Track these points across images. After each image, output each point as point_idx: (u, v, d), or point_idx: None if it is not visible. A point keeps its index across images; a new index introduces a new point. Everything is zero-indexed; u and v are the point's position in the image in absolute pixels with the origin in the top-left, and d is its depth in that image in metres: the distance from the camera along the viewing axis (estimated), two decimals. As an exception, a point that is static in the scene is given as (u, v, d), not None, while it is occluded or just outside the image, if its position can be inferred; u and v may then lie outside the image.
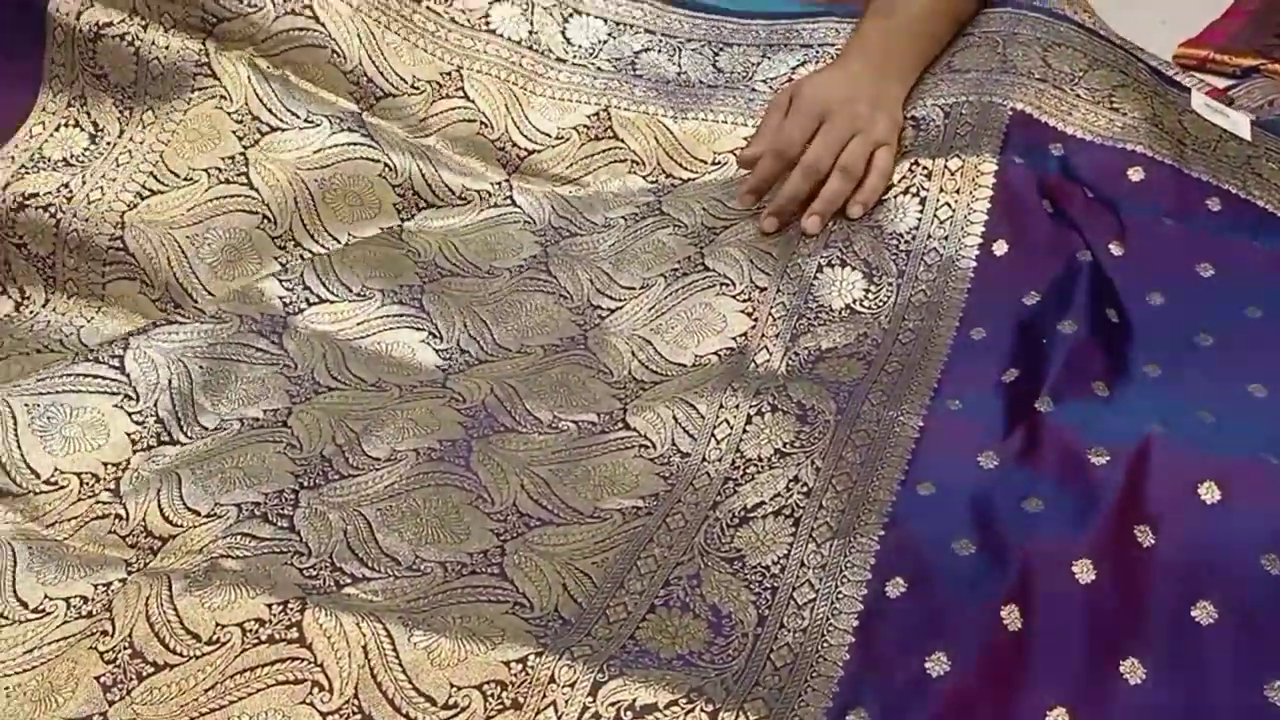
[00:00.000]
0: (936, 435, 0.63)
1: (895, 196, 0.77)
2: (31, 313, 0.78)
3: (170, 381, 0.70)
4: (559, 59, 0.89)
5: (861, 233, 0.76)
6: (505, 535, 0.62)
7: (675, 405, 0.68)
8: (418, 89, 0.86)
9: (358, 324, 0.77)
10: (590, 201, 0.85)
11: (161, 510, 0.65)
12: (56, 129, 0.81)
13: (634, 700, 0.51)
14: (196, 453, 0.68)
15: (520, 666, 0.53)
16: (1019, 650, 0.53)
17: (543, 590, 0.58)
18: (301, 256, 0.80)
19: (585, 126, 0.87)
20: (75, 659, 0.56)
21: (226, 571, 0.59)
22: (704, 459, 0.65)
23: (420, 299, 0.78)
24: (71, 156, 0.80)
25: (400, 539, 0.61)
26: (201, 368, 0.72)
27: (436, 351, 0.75)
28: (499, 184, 0.85)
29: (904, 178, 0.78)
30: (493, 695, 0.52)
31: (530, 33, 0.89)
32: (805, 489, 0.62)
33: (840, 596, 0.56)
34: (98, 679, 0.55)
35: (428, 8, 0.87)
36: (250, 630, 0.55)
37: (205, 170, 0.80)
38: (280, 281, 0.78)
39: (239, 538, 0.62)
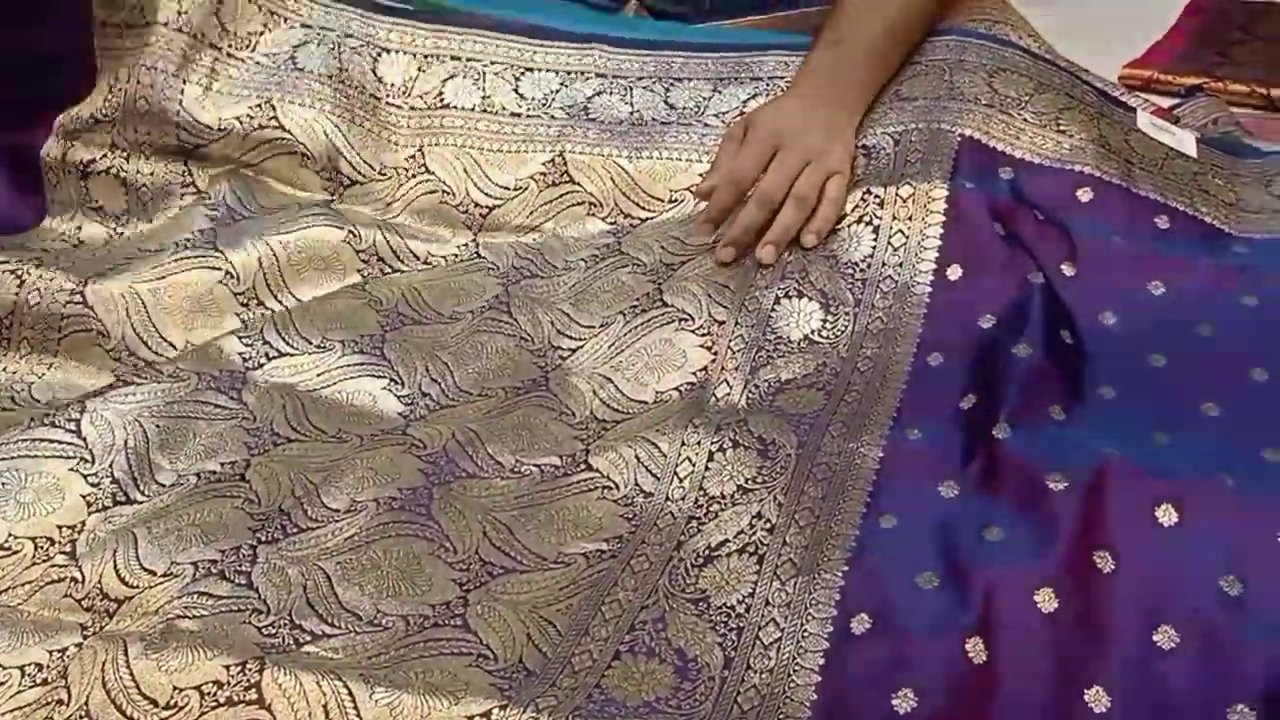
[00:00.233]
0: (897, 466, 0.63)
1: (849, 226, 0.78)
2: None
3: (126, 442, 0.70)
4: (513, 114, 0.90)
5: (817, 263, 0.76)
6: (468, 585, 0.61)
7: (637, 444, 0.68)
8: (384, 175, 0.89)
9: (318, 375, 0.76)
10: (551, 246, 0.85)
11: (118, 571, 0.64)
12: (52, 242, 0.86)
13: (601, 751, 0.50)
14: (153, 510, 0.67)
15: (484, 721, 0.52)
16: (985, 683, 0.53)
17: (506, 641, 0.58)
18: (263, 314, 0.80)
19: (541, 174, 0.87)
20: (31, 730, 0.55)
21: (183, 633, 0.58)
22: (667, 498, 0.65)
23: (381, 348, 0.77)
24: (57, 251, 0.85)
25: (361, 593, 0.61)
26: (158, 426, 0.71)
27: (398, 398, 0.75)
28: (465, 245, 0.86)
29: (856, 207, 0.78)
30: (457, 751, 0.51)
31: (484, 97, 0.90)
32: (768, 525, 0.61)
33: (806, 635, 0.56)
34: (55, 750, 0.54)
35: (388, 102, 0.91)
36: (208, 693, 0.54)
37: (175, 241, 0.84)
38: (240, 339, 0.78)
39: (196, 597, 0.61)
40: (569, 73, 0.91)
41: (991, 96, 0.81)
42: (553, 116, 0.89)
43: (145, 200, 0.87)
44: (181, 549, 0.64)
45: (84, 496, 0.67)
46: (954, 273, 0.74)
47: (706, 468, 0.66)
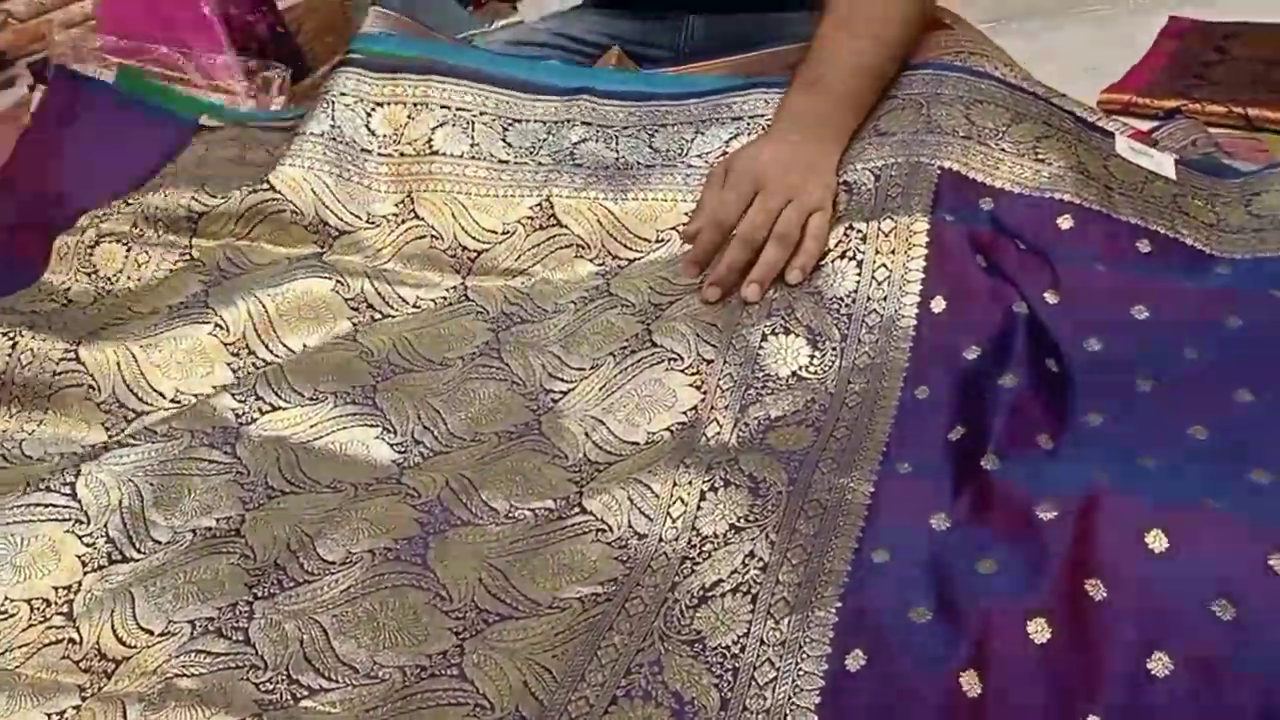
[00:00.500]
0: (888, 500, 0.63)
1: (833, 261, 0.78)
2: None
3: (121, 501, 0.70)
4: (501, 161, 0.91)
5: (803, 299, 0.77)
6: (464, 634, 0.61)
7: (630, 486, 0.68)
8: (373, 223, 0.90)
9: (310, 426, 0.77)
10: (540, 290, 0.86)
11: (115, 631, 0.64)
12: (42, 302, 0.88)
13: (598, 799, 0.50)
14: (149, 568, 0.67)
15: (481, 771, 0.52)
16: (980, 717, 0.53)
17: (503, 689, 0.58)
18: (254, 365, 0.81)
19: (529, 218, 0.88)
20: (29, 797, 0.55)
21: (182, 691, 0.59)
22: (661, 539, 0.65)
23: (373, 398, 0.78)
24: (48, 312, 0.87)
25: (358, 645, 0.61)
26: (153, 484, 0.72)
27: (391, 446, 0.75)
28: (453, 288, 0.87)
29: (840, 242, 0.79)
30: (455, 804, 0.51)
31: (472, 144, 0.92)
32: (761, 564, 0.61)
33: (801, 673, 0.56)
34: (53, 817, 0.54)
35: (379, 154, 0.92)
36: (207, 754, 0.54)
37: (169, 305, 0.85)
38: (232, 395, 0.78)
39: (193, 655, 0.61)
40: (555, 122, 0.92)
41: (969, 128, 0.82)
42: (539, 163, 0.90)
43: (141, 262, 0.89)
44: (178, 607, 0.64)
45: (79, 557, 0.68)
46: (938, 305, 0.74)
47: (699, 507, 0.66)
